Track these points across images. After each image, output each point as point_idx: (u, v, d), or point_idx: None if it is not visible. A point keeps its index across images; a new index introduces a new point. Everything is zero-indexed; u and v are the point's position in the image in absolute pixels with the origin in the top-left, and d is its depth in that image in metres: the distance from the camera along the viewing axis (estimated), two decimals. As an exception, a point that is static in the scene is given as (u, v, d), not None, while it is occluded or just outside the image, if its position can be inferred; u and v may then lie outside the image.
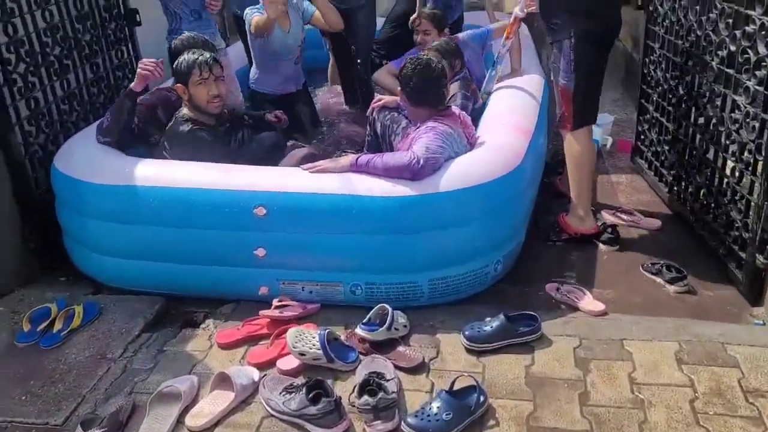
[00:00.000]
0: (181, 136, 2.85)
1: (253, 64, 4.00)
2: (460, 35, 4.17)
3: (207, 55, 2.91)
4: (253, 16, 3.70)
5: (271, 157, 3.12)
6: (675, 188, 3.36)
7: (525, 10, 3.38)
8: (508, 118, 3.09)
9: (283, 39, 3.82)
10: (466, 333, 2.37)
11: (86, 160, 2.83)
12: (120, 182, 2.68)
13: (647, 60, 3.65)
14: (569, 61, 2.94)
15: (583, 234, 3.13)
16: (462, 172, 2.59)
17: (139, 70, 2.88)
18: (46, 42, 3.05)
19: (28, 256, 2.95)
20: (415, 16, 4.26)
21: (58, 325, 2.54)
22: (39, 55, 3.00)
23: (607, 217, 3.32)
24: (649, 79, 3.65)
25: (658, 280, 2.82)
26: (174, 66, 2.96)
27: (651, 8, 3.53)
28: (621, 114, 4.69)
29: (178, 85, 2.92)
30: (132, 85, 2.90)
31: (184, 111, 2.95)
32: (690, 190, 3.19)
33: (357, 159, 2.62)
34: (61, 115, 3.16)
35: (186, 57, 2.90)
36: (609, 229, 3.12)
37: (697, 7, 2.99)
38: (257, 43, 3.82)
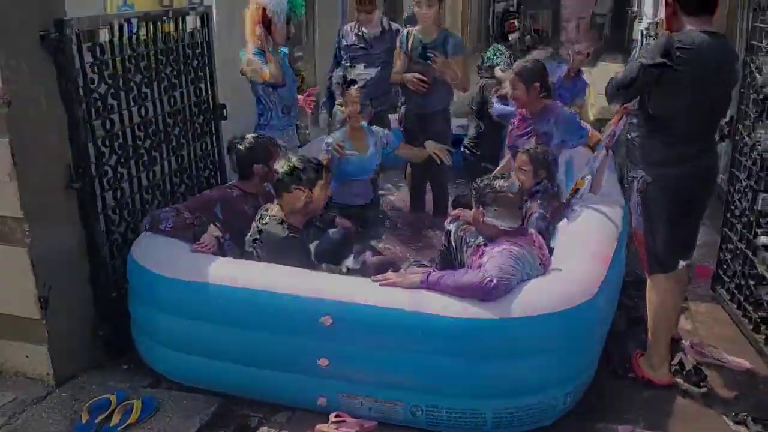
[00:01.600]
0: (278, 240, 2.87)
1: None
2: (561, 110, 3.68)
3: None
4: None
5: (339, 252, 3.13)
6: (762, 328, 3.15)
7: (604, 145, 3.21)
8: (586, 241, 2.97)
9: (359, 163, 4.02)
10: (533, 476, 2.22)
11: (161, 252, 2.89)
12: (190, 278, 2.72)
13: (732, 188, 3.52)
14: (636, 203, 2.81)
15: (653, 383, 2.91)
16: (537, 298, 2.50)
17: (208, 238, 2.93)
18: (139, 135, 3.19)
19: (96, 342, 2.98)
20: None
21: (115, 419, 2.54)
22: (131, 148, 3.13)
23: (690, 351, 3.11)
24: (733, 208, 3.51)
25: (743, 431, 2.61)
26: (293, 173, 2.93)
27: (737, 137, 3.44)
28: (699, 237, 4.49)
29: (300, 190, 2.89)
30: (205, 234, 2.94)
31: (276, 211, 2.96)
32: (781, 332, 2.99)
33: (428, 276, 2.57)
34: (144, 205, 3.26)
35: (312, 163, 2.98)
36: (694, 371, 2.91)
37: (791, 143, 2.90)
38: (336, 159, 3.93)
